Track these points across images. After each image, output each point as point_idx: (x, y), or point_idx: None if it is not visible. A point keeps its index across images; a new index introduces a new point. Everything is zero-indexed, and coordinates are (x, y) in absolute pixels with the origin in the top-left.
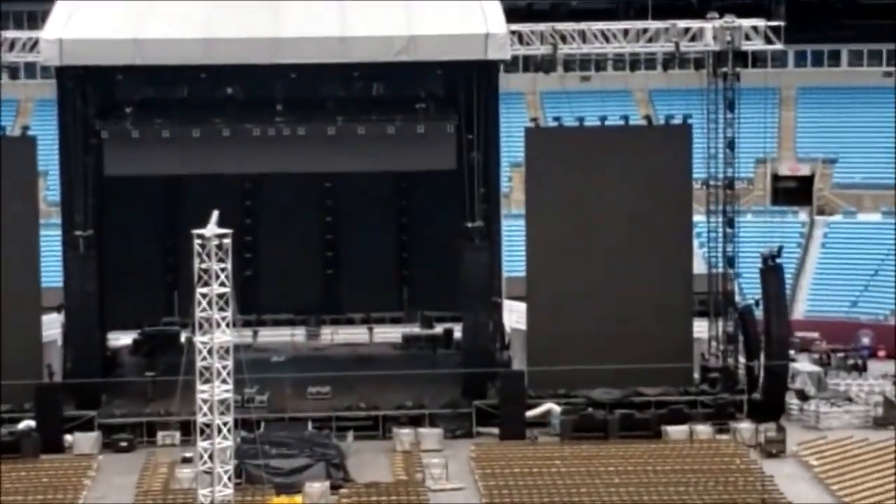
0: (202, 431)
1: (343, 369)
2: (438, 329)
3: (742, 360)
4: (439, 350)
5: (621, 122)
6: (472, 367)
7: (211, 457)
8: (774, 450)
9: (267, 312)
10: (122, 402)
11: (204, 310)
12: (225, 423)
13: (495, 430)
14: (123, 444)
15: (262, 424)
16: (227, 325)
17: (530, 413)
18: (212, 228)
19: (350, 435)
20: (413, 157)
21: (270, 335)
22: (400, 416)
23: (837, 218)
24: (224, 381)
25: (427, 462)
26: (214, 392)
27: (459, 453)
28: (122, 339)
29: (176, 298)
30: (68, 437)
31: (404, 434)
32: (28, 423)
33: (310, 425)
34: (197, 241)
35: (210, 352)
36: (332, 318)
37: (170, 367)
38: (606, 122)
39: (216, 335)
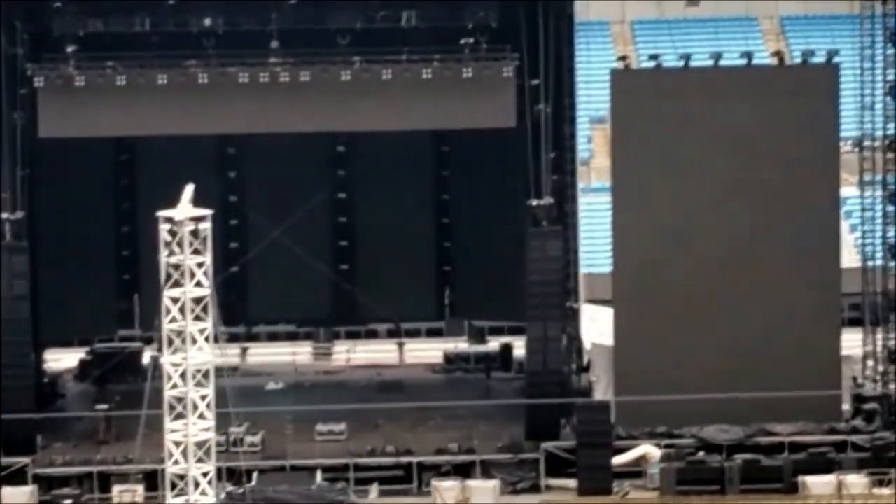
0: (173, 485)
1: (363, 400)
2: (493, 345)
3: None
4: (494, 374)
5: (742, 62)
6: (540, 397)
7: None
8: None
9: (260, 323)
10: (64, 446)
11: (174, 320)
12: (204, 474)
13: (571, 483)
14: (67, 501)
15: (255, 475)
16: (207, 341)
17: (619, 459)
18: (184, 208)
19: (374, 489)
20: (457, 111)
21: (265, 354)
22: (441, 464)
23: None
24: (202, 417)
25: None
26: (190, 431)
27: None
28: (64, 359)
29: (136, 304)
30: None
31: (447, 488)
32: None
33: (318, 476)
34: (164, 227)
35: (183, 376)
36: (347, 331)
37: (128, 397)
38: (722, 62)
39: (191, 354)
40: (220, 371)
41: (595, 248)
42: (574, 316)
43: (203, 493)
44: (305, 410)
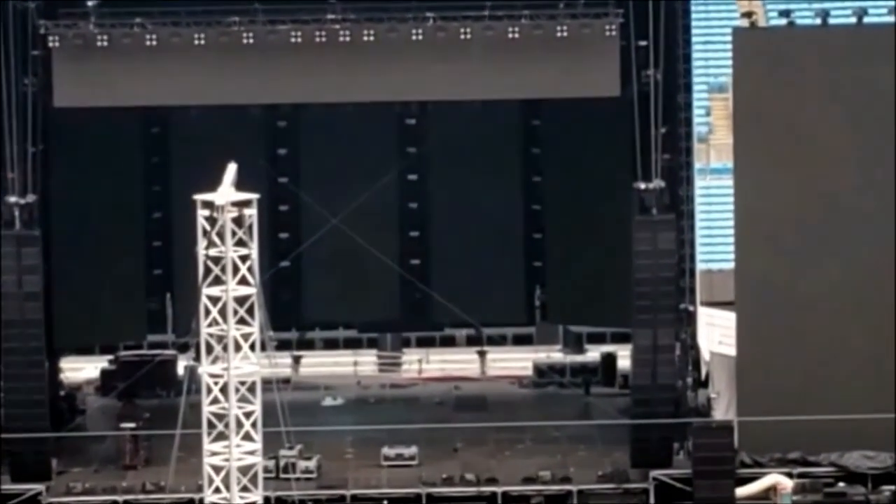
0: None
1: (438, 420)
2: (592, 355)
3: None
4: (594, 389)
5: (890, 20)
6: (649, 417)
7: None
8: None
9: (315, 328)
10: (84, 472)
11: (214, 323)
12: None
13: None
14: None
15: None
16: (253, 348)
17: (743, 491)
18: (226, 192)
19: None
20: (550, 77)
21: (321, 364)
22: (531, 496)
23: None
24: (247, 438)
25: None
26: (232, 455)
27: None
28: (84, 368)
29: (168, 305)
30: None
31: None
32: None
33: None
34: (202, 214)
35: (224, 390)
36: (419, 337)
37: (160, 414)
38: (867, 19)
39: (234, 364)
40: (268, 384)
41: (714, 241)
42: (689, 320)
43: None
44: (369, 431)
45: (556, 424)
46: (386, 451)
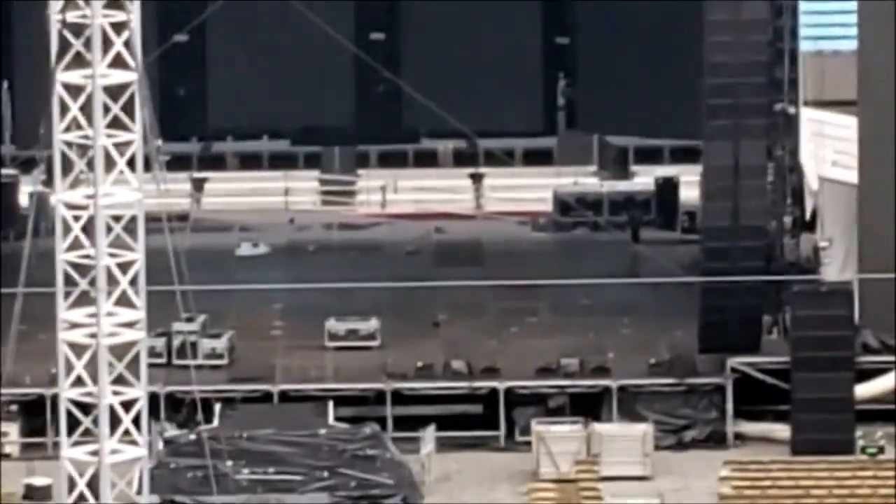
0: (71, 424)
1: (412, 278)
2: (642, 180)
3: None
4: (645, 232)
5: None
6: (725, 274)
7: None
8: None
9: (228, 137)
10: None
11: (74, 126)
12: (127, 405)
13: (781, 430)
14: None
15: (217, 409)
16: (133, 167)
17: (867, 389)
18: None
19: (428, 437)
20: None
21: (235, 191)
22: (548, 394)
23: None
24: (126, 303)
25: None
26: (101, 328)
27: (696, 472)
28: None
29: (3, 96)
30: None
31: (558, 436)
32: None
33: (331, 413)
34: None
35: (89, 230)
36: (382, 153)
37: None
38: None
39: (104, 189)
40: (156, 221)
41: (828, 9)
42: (788, 129)
43: (125, 438)
44: (307, 294)
45: (588, 284)
46: (332, 325)
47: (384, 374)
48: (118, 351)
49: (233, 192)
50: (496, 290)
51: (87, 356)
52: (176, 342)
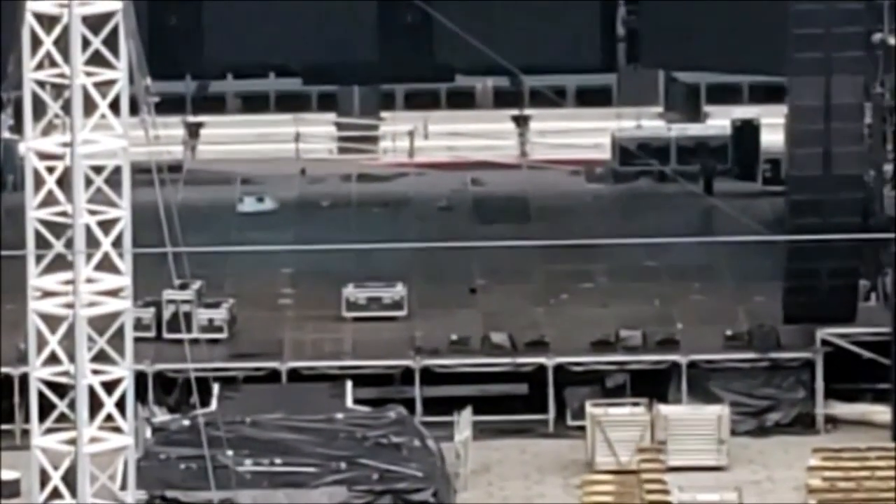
0: (43, 407)
1: (445, 237)
2: (718, 124)
3: None
4: (720, 183)
5: None
6: (816, 232)
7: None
8: None
9: (227, 74)
10: None
11: (47, 63)
12: (109, 385)
13: (882, 412)
14: None
15: (216, 389)
16: (117, 109)
17: None
18: None
19: (464, 420)
20: None
21: (236, 139)
22: (604, 372)
23: None
24: (108, 267)
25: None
26: (81, 294)
27: (780, 462)
28: None
29: None
30: None
31: (617, 420)
32: None
33: (349, 394)
34: None
35: (65, 182)
36: (409, 93)
37: None
38: None
39: (84, 136)
40: (145, 172)
41: None
42: (888, 61)
43: (108, 425)
44: (322, 257)
45: (652, 244)
46: (351, 292)
47: (412, 349)
48: (99, 323)
49: (234, 138)
50: (543, 251)
51: (62, 329)
52: (167, 313)
